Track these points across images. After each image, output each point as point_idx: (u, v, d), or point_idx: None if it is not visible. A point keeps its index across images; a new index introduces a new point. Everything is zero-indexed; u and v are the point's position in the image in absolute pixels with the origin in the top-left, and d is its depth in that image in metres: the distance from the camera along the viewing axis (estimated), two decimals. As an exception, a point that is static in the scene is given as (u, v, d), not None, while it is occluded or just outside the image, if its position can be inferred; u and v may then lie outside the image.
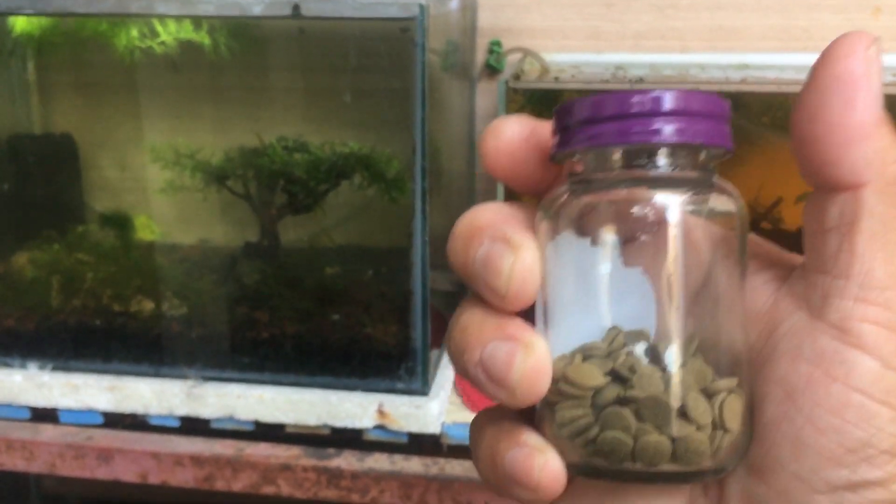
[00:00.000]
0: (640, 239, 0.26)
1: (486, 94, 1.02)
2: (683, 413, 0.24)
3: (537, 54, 0.90)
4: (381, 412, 0.77)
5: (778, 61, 0.90)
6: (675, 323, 0.25)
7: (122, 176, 0.92)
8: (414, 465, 0.76)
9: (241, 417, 0.79)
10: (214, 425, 0.81)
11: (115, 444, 0.78)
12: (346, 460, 0.76)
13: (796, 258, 0.27)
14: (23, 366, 0.84)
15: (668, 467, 0.24)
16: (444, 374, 0.84)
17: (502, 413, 0.28)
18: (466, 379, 0.27)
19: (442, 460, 0.76)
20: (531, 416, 0.27)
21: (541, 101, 0.83)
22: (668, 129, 0.24)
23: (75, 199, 0.91)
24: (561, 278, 0.26)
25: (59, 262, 0.86)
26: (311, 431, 0.79)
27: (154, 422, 0.81)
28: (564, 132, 0.26)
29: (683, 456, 0.24)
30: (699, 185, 0.26)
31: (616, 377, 0.25)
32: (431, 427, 0.77)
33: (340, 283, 0.84)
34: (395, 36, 0.75)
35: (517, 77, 0.83)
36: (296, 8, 0.73)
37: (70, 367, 0.83)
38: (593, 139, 0.25)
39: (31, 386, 0.82)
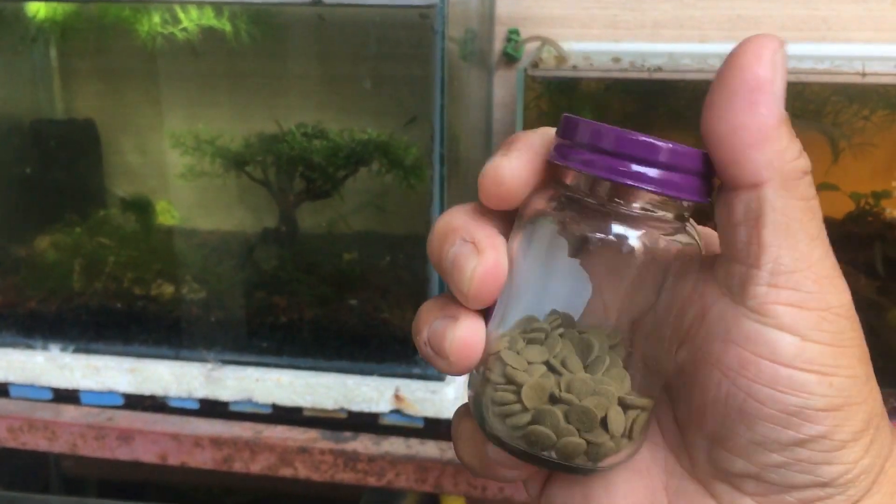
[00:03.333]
0: (605, 259, 0.29)
1: (504, 82, 1.03)
2: (604, 423, 0.28)
3: (555, 42, 0.90)
4: (397, 396, 0.78)
5: (797, 51, 0.89)
6: (615, 348, 0.29)
7: (143, 161, 0.92)
8: (430, 449, 0.77)
9: (259, 400, 0.80)
10: (233, 408, 0.82)
11: (135, 426, 0.79)
12: (362, 444, 0.77)
13: (713, 240, 0.30)
14: (45, 347, 0.85)
15: (579, 461, 0.28)
16: (460, 361, 0.84)
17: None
18: (424, 357, 0.31)
19: (457, 445, 0.77)
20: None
21: (559, 89, 0.83)
22: (656, 178, 0.27)
23: (97, 184, 0.92)
24: (525, 268, 0.30)
25: (80, 246, 0.87)
26: (328, 415, 0.80)
27: (173, 404, 0.82)
28: (567, 146, 0.28)
29: (595, 456, 0.28)
30: (671, 228, 0.28)
31: (551, 369, 0.28)
32: (447, 412, 0.78)
33: (358, 268, 0.85)
34: (415, 23, 0.76)
35: (535, 65, 0.83)
36: (317, -5, 0.73)
37: (91, 349, 0.85)
38: (588, 166, 0.27)
39: (52, 367, 0.83)
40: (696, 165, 0.27)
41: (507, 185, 0.29)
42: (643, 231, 0.28)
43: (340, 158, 0.84)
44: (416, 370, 0.80)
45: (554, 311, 0.30)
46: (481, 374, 0.30)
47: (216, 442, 0.77)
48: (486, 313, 0.30)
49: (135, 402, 0.83)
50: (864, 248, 0.84)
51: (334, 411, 0.80)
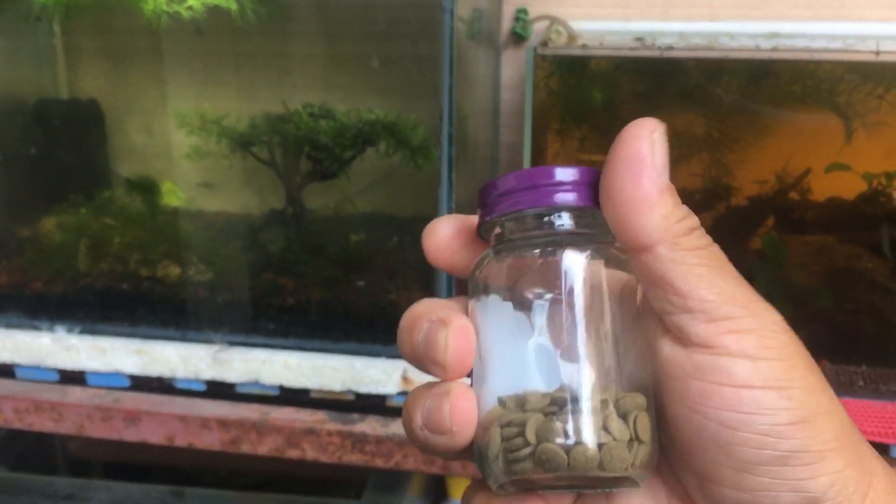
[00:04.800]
0: (553, 288, 0.31)
1: (512, 62, 1.02)
2: (606, 428, 0.29)
3: (564, 22, 0.89)
4: (404, 378, 0.78)
5: (809, 30, 0.88)
6: (588, 357, 0.30)
7: (148, 141, 0.92)
8: (438, 431, 0.76)
9: (267, 382, 0.80)
10: (240, 389, 0.81)
11: (142, 407, 0.79)
12: (370, 425, 0.76)
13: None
14: (51, 329, 0.85)
15: (597, 473, 0.29)
16: (468, 342, 0.84)
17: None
18: (421, 448, 0.32)
19: (466, 427, 0.77)
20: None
21: (569, 68, 0.82)
22: (567, 196, 0.30)
23: (101, 164, 0.91)
24: (489, 334, 0.31)
25: (86, 227, 0.87)
26: (336, 397, 0.80)
27: (180, 385, 0.82)
28: (485, 207, 0.31)
29: (609, 463, 0.28)
30: (599, 240, 0.31)
31: (542, 399, 0.30)
32: (455, 394, 0.77)
33: (365, 250, 0.84)
34: (423, 2, 0.75)
35: (545, 44, 0.82)
36: (324, -29, 0.73)
37: (97, 330, 0.84)
38: (508, 206, 0.31)
39: (59, 348, 0.83)
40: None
41: (441, 234, 0.33)
42: (576, 245, 0.30)
43: (347, 139, 0.83)
44: (424, 352, 0.79)
45: (527, 349, 0.31)
46: (482, 434, 0.31)
47: (223, 423, 0.77)
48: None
49: (141, 384, 0.83)
50: (876, 230, 0.83)
51: (342, 393, 0.79)
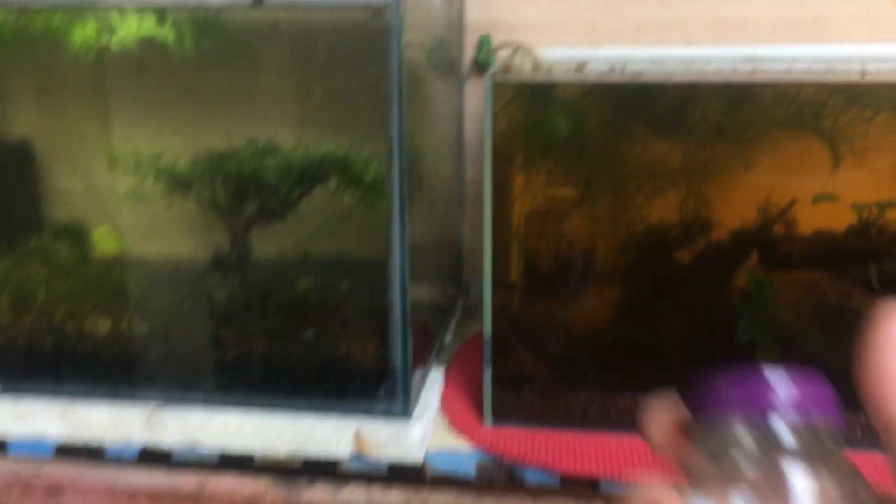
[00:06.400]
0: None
1: (476, 92, 0.96)
2: None
3: (529, 48, 0.83)
4: (358, 438, 0.70)
5: (790, 53, 0.83)
6: None
7: (84, 184, 0.85)
8: (394, 497, 0.68)
9: (205, 447, 0.72)
10: (176, 458, 0.73)
11: (65, 479, 0.71)
12: (319, 493, 0.69)
13: None
14: (-31, 391, 0.77)
15: None
16: (429, 395, 0.77)
17: None
18: None
19: (425, 492, 0.69)
20: None
21: (532, 96, 0.76)
22: (788, 410, 0.28)
23: (30, 210, 0.84)
24: None
25: (8, 277, 0.79)
26: (281, 465, 0.72)
27: (110, 454, 0.74)
28: (697, 410, 0.30)
29: None
30: (823, 456, 0.28)
31: None
32: (413, 455, 0.70)
33: (314, 297, 0.77)
34: (372, 29, 0.69)
35: (506, 71, 0.76)
36: (258, -5, 0.67)
37: (19, 389, 0.76)
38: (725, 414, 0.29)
39: (-23, 413, 0.75)
40: (822, 393, 0.29)
41: (665, 421, 0.31)
42: (800, 458, 0.28)
43: (295, 176, 0.76)
44: (379, 407, 0.72)
45: None
46: None
47: (154, 496, 0.69)
48: None
49: (67, 451, 0.75)
50: (867, 265, 0.77)
51: (288, 460, 0.71)
